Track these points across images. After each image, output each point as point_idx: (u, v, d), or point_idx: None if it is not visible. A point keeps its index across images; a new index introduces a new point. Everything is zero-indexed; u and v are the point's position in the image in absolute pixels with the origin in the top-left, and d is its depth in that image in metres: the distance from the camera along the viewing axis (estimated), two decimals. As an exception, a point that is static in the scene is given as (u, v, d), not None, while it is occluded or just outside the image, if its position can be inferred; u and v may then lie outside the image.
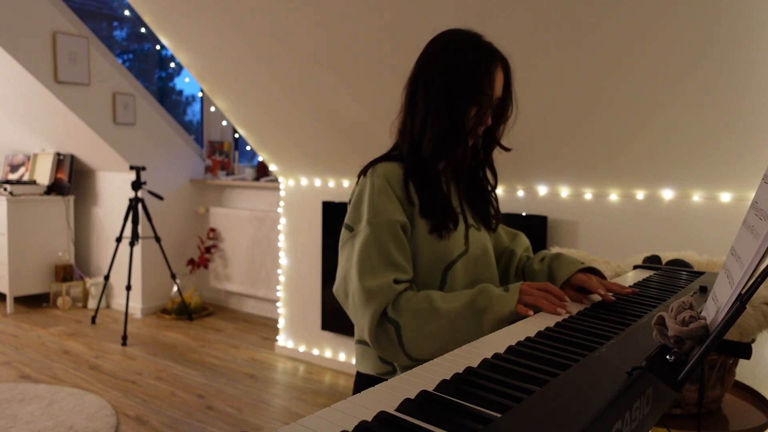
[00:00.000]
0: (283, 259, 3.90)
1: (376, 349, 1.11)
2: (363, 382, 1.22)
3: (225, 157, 5.09)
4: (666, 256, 1.70)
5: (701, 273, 1.36)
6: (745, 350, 0.77)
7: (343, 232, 1.19)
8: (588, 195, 2.71)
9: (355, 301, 1.11)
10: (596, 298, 1.12)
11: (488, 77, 1.17)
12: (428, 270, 1.17)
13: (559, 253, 1.31)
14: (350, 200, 1.22)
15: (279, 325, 3.94)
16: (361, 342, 1.22)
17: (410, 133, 1.22)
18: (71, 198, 4.97)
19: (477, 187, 1.30)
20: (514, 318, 1.02)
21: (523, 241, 1.41)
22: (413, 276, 1.16)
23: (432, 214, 1.17)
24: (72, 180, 4.92)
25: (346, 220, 1.19)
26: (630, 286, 1.16)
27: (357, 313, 1.11)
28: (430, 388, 0.63)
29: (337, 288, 1.17)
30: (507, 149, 1.28)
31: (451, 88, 1.17)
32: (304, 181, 3.79)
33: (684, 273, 1.38)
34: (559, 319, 0.96)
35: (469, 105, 1.17)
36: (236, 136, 5.15)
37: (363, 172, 1.21)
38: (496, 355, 0.74)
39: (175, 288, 4.60)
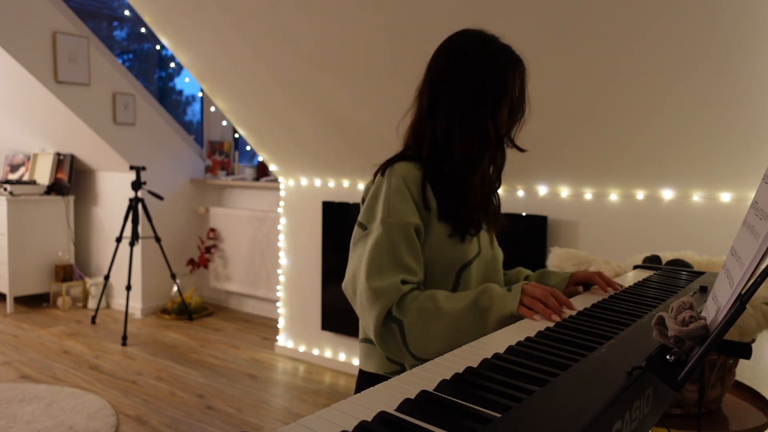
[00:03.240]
0: (283, 259, 3.90)
1: (382, 349, 1.11)
2: (366, 380, 1.22)
3: (225, 157, 5.09)
4: (666, 256, 1.70)
5: (701, 273, 1.36)
6: (745, 350, 0.77)
7: (356, 230, 1.18)
8: (588, 195, 2.71)
9: (362, 301, 1.11)
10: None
11: (513, 80, 1.17)
12: (442, 271, 1.17)
13: (546, 269, 1.35)
14: (364, 198, 1.21)
15: (279, 325, 3.94)
16: (366, 341, 1.22)
17: (432, 137, 1.20)
18: (71, 198, 4.97)
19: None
20: (518, 318, 1.02)
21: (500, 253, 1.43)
22: (423, 279, 1.15)
23: (454, 219, 1.16)
24: (72, 180, 4.92)
25: (360, 218, 1.18)
26: (621, 286, 1.20)
27: (363, 312, 1.11)
28: (430, 388, 0.63)
29: (346, 285, 1.17)
30: (522, 150, 1.26)
31: (480, 94, 1.16)
32: (304, 181, 3.79)
33: (684, 273, 1.38)
34: (559, 319, 0.96)
35: (500, 109, 1.18)
36: (236, 136, 5.15)
37: (381, 171, 1.20)
38: (496, 355, 0.74)
39: (175, 288, 4.60)
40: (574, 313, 1.00)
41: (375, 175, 1.21)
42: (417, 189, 1.15)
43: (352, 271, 1.15)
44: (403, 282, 1.09)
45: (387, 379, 0.68)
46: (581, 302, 1.09)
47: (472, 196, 1.20)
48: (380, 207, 1.14)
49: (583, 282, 1.24)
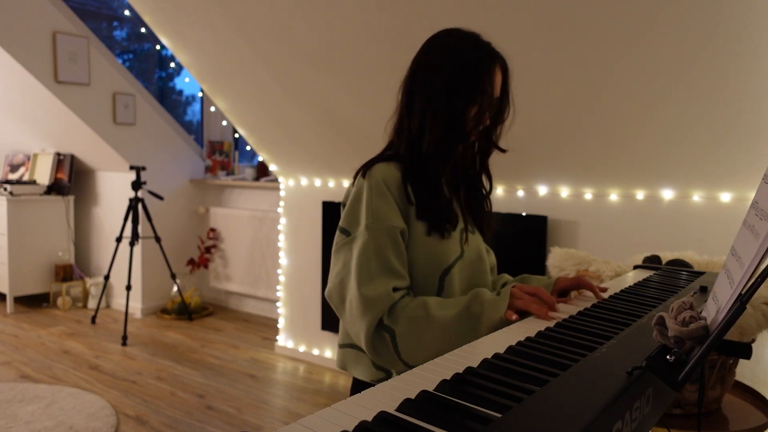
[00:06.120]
0: (283, 259, 3.90)
1: (373, 356, 1.10)
2: (360, 388, 1.21)
3: (225, 157, 5.09)
4: (666, 256, 1.70)
5: (701, 273, 1.36)
6: (745, 350, 0.77)
7: (338, 236, 1.17)
8: (588, 195, 2.71)
9: (352, 308, 1.10)
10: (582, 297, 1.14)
11: (488, 76, 1.16)
12: (425, 275, 1.16)
13: (525, 275, 1.33)
14: (344, 202, 1.20)
15: (279, 325, 3.94)
16: (351, 346, 1.20)
17: (408, 132, 1.20)
18: (71, 198, 4.97)
19: (474, 191, 1.30)
20: (508, 323, 1.01)
21: (492, 259, 1.40)
22: (410, 283, 1.14)
23: (430, 215, 1.15)
24: (72, 180, 4.92)
25: (342, 223, 1.17)
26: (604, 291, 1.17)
27: (354, 320, 1.10)
28: (430, 388, 0.63)
29: (330, 292, 1.15)
30: (503, 150, 1.27)
31: (451, 87, 1.16)
32: (304, 181, 3.79)
33: (684, 273, 1.38)
34: (559, 319, 0.96)
35: (470, 104, 1.16)
36: (236, 136, 5.15)
37: (360, 173, 1.19)
38: (496, 355, 0.74)
39: (175, 288, 4.60)
40: (559, 310, 0.99)
41: (355, 178, 1.20)
42: (398, 190, 1.15)
43: (338, 279, 1.14)
44: (395, 289, 1.08)
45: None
46: (576, 305, 1.09)
47: (444, 190, 1.20)
48: (363, 212, 1.13)
49: (566, 289, 1.20)
